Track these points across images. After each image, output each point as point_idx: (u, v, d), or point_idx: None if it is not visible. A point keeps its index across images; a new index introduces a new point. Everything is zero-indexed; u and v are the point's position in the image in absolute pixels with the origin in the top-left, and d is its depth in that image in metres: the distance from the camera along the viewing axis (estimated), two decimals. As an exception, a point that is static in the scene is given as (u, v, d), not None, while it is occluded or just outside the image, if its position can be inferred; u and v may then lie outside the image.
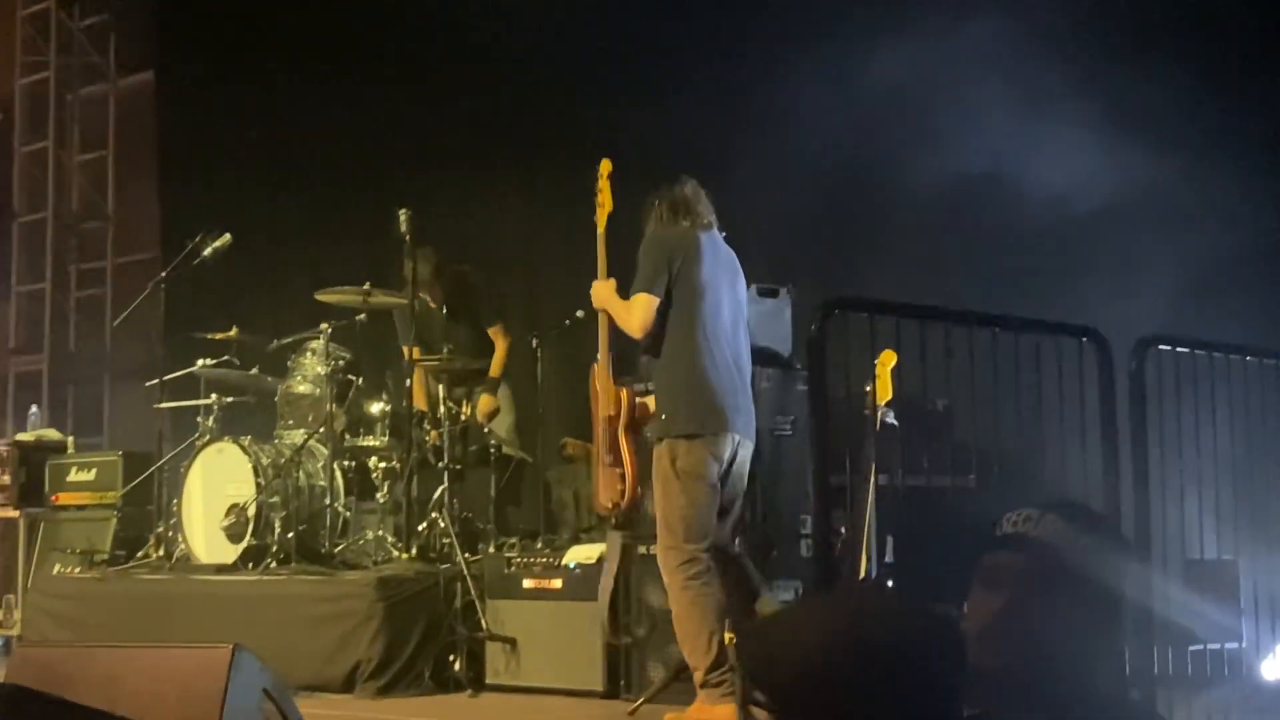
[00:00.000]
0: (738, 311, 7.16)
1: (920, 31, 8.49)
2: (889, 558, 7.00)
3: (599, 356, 7.24)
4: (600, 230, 7.26)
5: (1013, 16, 8.28)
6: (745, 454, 7.03)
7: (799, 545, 7.65)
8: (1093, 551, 2.72)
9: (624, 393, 7.18)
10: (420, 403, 9.66)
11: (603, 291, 7.17)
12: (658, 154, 9.18)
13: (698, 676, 6.82)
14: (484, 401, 9.77)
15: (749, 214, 8.90)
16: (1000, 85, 8.29)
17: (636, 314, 6.94)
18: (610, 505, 7.16)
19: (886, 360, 6.82)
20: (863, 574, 6.93)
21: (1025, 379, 5.84)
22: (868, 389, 6.68)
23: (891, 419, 7.03)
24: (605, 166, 7.33)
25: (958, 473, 6.71)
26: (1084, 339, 5.95)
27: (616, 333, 7.19)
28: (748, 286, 7.78)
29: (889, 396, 6.96)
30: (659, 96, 9.99)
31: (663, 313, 6.94)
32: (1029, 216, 8.46)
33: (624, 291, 7.06)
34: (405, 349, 9.71)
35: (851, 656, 2.38)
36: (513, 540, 8.93)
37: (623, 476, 7.08)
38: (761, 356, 7.76)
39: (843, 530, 6.86)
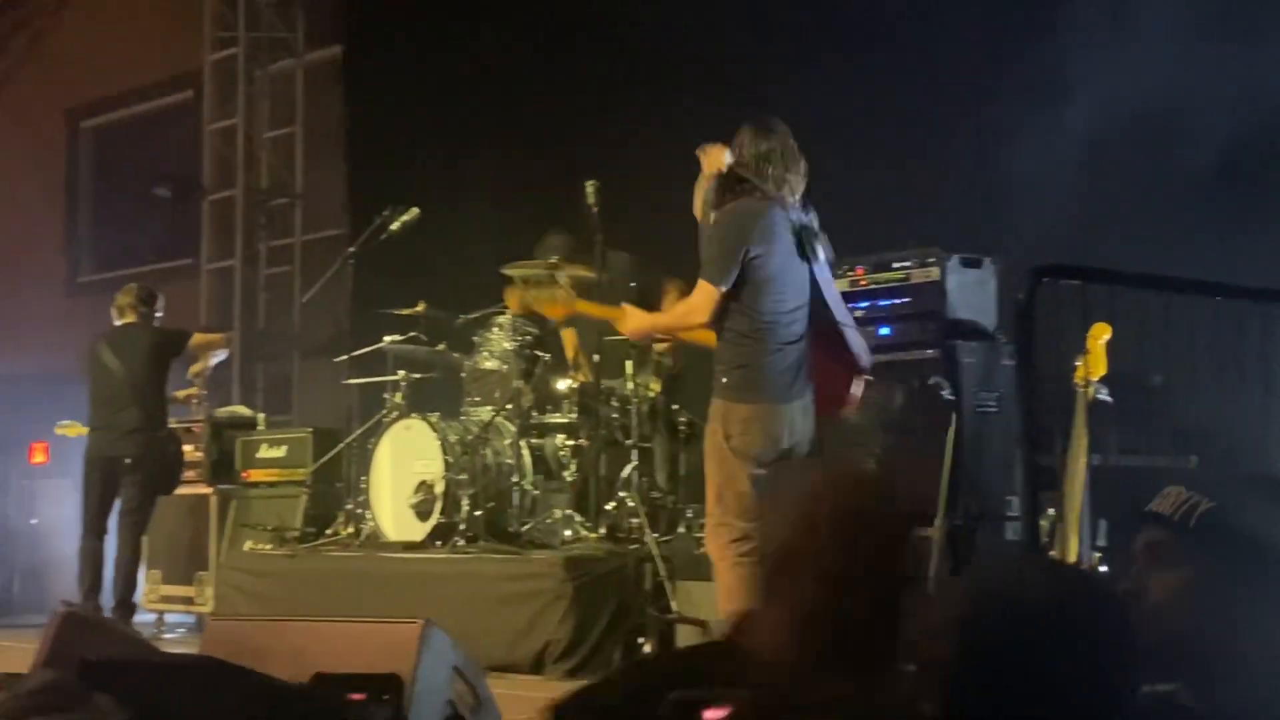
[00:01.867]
0: (804, 282, 6.84)
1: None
2: (1101, 541, 6.73)
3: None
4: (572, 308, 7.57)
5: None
6: (808, 417, 6.79)
7: (1004, 528, 7.39)
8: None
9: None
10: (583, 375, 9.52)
11: (633, 322, 7.18)
12: (845, 120, 8.92)
13: None
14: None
15: (954, 180, 8.60)
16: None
17: (700, 309, 6.74)
18: None
19: (1099, 333, 6.52)
20: (1074, 558, 6.67)
21: (1250, 352, 5.55)
22: (1078, 363, 6.39)
23: (1104, 395, 6.73)
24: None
25: (1178, 452, 6.43)
26: (1315, 309, 5.67)
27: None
28: (949, 255, 7.52)
29: (1103, 372, 6.66)
30: (841, 64, 9.65)
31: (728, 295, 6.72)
32: (1249, 173, 7.99)
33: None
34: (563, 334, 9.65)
35: (1011, 625, 2.32)
36: (703, 520, 8.74)
37: None
38: (964, 330, 7.52)
39: (1050, 512, 6.59)
